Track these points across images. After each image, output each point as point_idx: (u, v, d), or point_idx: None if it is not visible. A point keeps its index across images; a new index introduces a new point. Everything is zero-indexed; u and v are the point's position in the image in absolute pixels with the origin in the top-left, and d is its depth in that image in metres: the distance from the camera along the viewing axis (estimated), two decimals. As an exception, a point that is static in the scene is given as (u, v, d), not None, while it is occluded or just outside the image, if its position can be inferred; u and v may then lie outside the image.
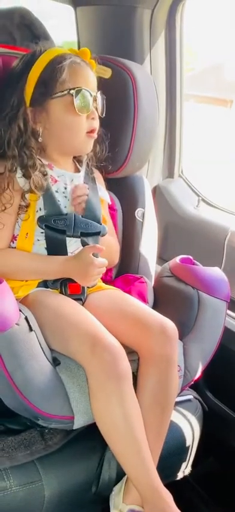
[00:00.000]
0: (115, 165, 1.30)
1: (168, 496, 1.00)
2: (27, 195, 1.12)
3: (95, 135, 1.16)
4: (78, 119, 1.11)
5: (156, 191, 1.69)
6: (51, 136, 1.14)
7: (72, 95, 1.09)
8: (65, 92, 1.09)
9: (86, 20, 1.59)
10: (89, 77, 1.13)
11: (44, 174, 1.13)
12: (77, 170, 1.23)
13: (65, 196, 1.17)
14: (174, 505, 0.99)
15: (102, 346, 0.98)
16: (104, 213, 1.24)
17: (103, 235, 1.19)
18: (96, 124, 1.14)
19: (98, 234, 1.17)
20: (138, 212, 1.38)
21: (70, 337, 1.03)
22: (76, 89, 1.09)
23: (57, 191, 1.16)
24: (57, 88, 1.10)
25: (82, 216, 1.15)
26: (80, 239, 1.14)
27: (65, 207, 1.15)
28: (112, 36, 1.54)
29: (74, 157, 1.24)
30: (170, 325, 1.07)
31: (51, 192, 1.14)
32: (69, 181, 1.18)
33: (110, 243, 1.26)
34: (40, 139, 1.13)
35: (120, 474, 1.07)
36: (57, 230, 1.12)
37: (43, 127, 1.13)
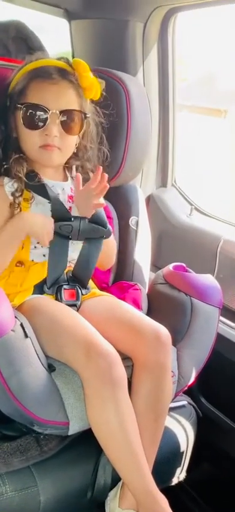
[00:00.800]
0: (109, 174, 1.32)
1: (163, 501, 1.01)
2: (17, 201, 1.14)
3: (53, 149, 1.14)
4: (29, 132, 1.14)
5: (149, 200, 1.72)
6: (21, 146, 1.17)
7: (20, 110, 1.13)
8: (20, 105, 1.13)
9: (80, 33, 1.62)
10: (51, 95, 1.12)
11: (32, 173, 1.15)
12: (66, 178, 1.25)
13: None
14: (169, 510, 1.00)
15: (97, 352, 0.99)
16: None
17: (106, 238, 1.20)
18: (51, 140, 1.13)
19: (102, 237, 1.19)
20: (132, 220, 1.40)
21: (65, 344, 1.04)
22: (24, 104, 1.12)
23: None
24: (19, 100, 1.14)
25: (89, 221, 1.16)
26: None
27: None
28: (105, 48, 1.56)
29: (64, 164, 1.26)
30: (164, 331, 1.09)
31: (56, 196, 1.16)
32: (60, 191, 1.20)
33: (113, 244, 1.28)
34: (16, 145, 1.16)
35: (116, 479, 1.07)
36: (62, 235, 1.14)
37: (17, 134, 1.17)
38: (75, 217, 1.15)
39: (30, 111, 1.12)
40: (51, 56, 1.25)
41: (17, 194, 1.14)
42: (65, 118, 1.13)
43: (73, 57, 1.67)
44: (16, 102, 1.14)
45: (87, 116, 1.18)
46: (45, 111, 1.12)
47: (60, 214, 1.14)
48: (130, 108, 1.28)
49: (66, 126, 1.14)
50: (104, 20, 1.53)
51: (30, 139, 1.14)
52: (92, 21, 1.57)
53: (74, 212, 1.18)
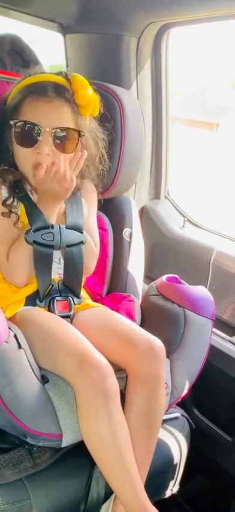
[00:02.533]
0: (103, 186, 1.34)
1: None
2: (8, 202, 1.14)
3: (42, 167, 1.10)
4: (22, 149, 1.13)
5: (143, 212, 1.73)
6: (15, 160, 1.17)
7: (11, 127, 1.12)
8: (12, 122, 1.12)
9: (74, 47, 1.64)
10: (44, 112, 1.11)
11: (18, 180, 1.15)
12: None
13: None
14: None
15: (90, 363, 0.99)
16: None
17: (84, 243, 1.19)
18: (44, 159, 1.11)
19: (81, 243, 1.18)
20: (125, 232, 1.41)
21: (58, 355, 1.04)
22: (17, 121, 1.12)
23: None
24: (13, 116, 1.13)
25: (66, 227, 1.16)
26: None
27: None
28: (100, 62, 1.58)
29: None
30: (158, 343, 1.09)
31: (33, 203, 1.15)
32: None
33: (90, 244, 1.23)
34: (11, 157, 1.15)
35: (109, 492, 1.07)
36: (45, 245, 1.13)
37: (12, 149, 1.16)
38: (55, 225, 1.14)
39: (22, 128, 1.11)
40: (49, 70, 1.25)
41: (9, 202, 1.14)
42: (58, 136, 1.12)
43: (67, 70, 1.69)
44: (10, 117, 1.13)
45: (82, 134, 1.15)
46: (37, 129, 1.10)
47: (39, 223, 1.12)
48: (124, 121, 1.30)
49: (59, 145, 1.12)
50: (98, 35, 1.55)
51: (23, 157, 1.14)
52: (87, 35, 1.59)
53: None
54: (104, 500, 1.08)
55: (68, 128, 1.13)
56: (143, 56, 1.57)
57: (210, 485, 1.45)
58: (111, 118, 1.28)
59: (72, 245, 1.16)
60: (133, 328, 1.15)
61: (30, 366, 1.01)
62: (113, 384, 1.01)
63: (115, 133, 1.29)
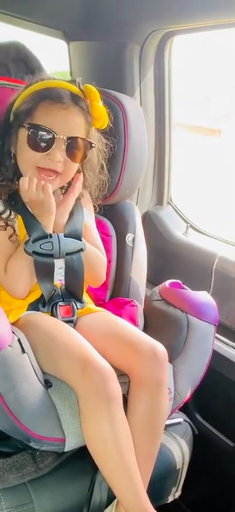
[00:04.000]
0: (103, 196, 1.34)
1: None
2: (4, 215, 1.14)
3: (47, 173, 1.12)
4: (31, 152, 1.11)
5: (145, 217, 1.74)
6: (18, 162, 1.16)
7: (26, 130, 1.11)
8: (27, 125, 1.11)
9: (78, 54, 1.65)
10: (60, 119, 1.11)
11: (12, 193, 1.15)
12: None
13: None
14: None
15: (93, 368, 1.00)
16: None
17: (83, 250, 1.19)
18: (54, 165, 1.11)
19: (80, 250, 1.18)
20: (128, 237, 1.41)
21: (61, 359, 1.04)
22: (32, 124, 1.10)
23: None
24: (26, 119, 1.12)
25: (64, 235, 1.16)
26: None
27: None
28: (103, 69, 1.59)
29: None
30: (160, 348, 1.09)
31: (31, 214, 1.14)
32: None
33: (96, 254, 1.24)
34: (12, 161, 1.15)
35: (111, 497, 1.07)
36: (45, 255, 1.13)
37: (15, 151, 1.15)
38: (53, 234, 1.14)
39: (37, 132, 1.09)
40: (62, 78, 1.25)
41: (4, 216, 1.15)
42: (71, 145, 1.11)
43: (71, 77, 1.70)
44: (22, 120, 1.12)
45: (93, 145, 1.16)
46: (52, 134, 1.09)
47: (37, 233, 1.12)
48: (128, 127, 1.30)
49: (71, 153, 1.12)
50: (102, 42, 1.57)
51: (30, 159, 1.12)
52: (90, 43, 1.60)
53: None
54: (106, 505, 1.08)
55: (82, 138, 1.13)
56: (146, 63, 1.58)
57: (212, 490, 1.44)
58: (114, 124, 1.29)
59: (71, 253, 1.16)
60: (136, 333, 1.15)
61: (34, 370, 1.02)
62: (116, 388, 1.01)
63: (118, 139, 1.29)
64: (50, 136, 1.10)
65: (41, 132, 1.10)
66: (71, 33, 1.63)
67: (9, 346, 0.99)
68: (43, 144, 1.10)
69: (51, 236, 1.13)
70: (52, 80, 1.17)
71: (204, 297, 1.28)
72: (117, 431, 1.00)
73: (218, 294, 1.38)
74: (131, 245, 1.41)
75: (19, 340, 1.02)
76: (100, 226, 1.36)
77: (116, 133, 1.29)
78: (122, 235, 1.42)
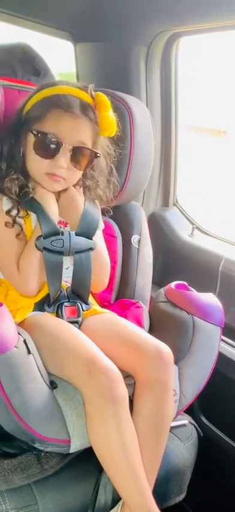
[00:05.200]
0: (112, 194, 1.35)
1: None
2: (12, 213, 1.15)
3: (59, 180, 1.15)
4: (39, 158, 1.14)
5: (151, 219, 1.73)
6: (26, 162, 1.18)
7: (34, 136, 1.13)
8: (35, 131, 1.13)
9: (85, 56, 1.66)
10: (68, 129, 1.12)
11: (23, 187, 1.16)
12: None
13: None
14: None
15: (99, 369, 1.00)
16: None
17: (93, 250, 1.19)
18: (58, 171, 1.14)
19: (90, 249, 1.18)
20: (134, 239, 1.41)
21: (66, 360, 1.04)
22: (39, 131, 1.12)
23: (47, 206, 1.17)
24: (35, 124, 1.13)
25: (76, 233, 1.17)
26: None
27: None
28: (110, 70, 1.60)
29: None
30: (166, 349, 1.09)
31: (43, 209, 1.15)
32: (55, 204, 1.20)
33: (103, 256, 1.25)
34: (21, 158, 1.16)
35: (116, 499, 1.07)
36: (55, 252, 1.13)
37: (24, 151, 1.17)
38: (64, 231, 1.15)
39: (44, 140, 1.12)
40: (58, 79, 1.27)
41: (13, 213, 1.15)
42: (76, 154, 1.14)
43: (77, 78, 1.70)
44: (31, 125, 1.14)
45: (98, 155, 1.17)
46: (58, 144, 1.11)
47: (49, 229, 1.13)
48: (134, 129, 1.30)
49: (75, 162, 1.14)
50: (109, 44, 1.57)
51: (37, 164, 1.15)
52: (97, 44, 1.60)
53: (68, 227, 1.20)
54: (111, 506, 1.08)
55: (87, 148, 1.15)
56: (153, 64, 1.58)
57: (217, 493, 1.44)
58: (120, 126, 1.29)
59: (80, 251, 1.16)
60: (142, 334, 1.15)
61: (39, 371, 1.02)
62: (122, 390, 1.01)
63: (124, 140, 1.29)
64: (57, 145, 1.12)
65: (48, 141, 1.12)
66: (78, 34, 1.63)
67: (15, 347, 0.99)
68: (49, 152, 1.12)
69: (63, 233, 1.14)
70: (64, 85, 1.17)
71: (210, 298, 1.27)
72: (123, 432, 1.00)
73: (224, 296, 1.38)
74: (137, 246, 1.41)
75: (25, 341, 1.02)
76: (105, 227, 1.35)
77: (122, 135, 1.29)
78: (128, 236, 1.42)
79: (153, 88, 1.61)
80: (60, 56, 1.80)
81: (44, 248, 1.12)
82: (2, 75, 1.34)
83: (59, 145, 1.12)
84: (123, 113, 1.29)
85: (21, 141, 1.16)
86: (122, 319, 1.22)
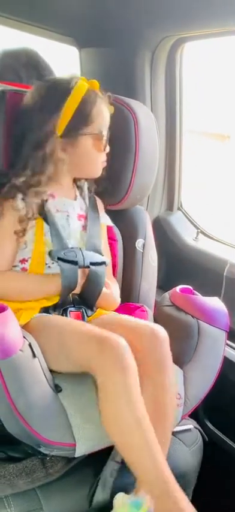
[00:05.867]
0: (117, 197, 1.35)
1: (177, 491, 0.97)
2: (24, 221, 1.16)
3: (105, 164, 1.26)
4: (101, 154, 1.22)
5: (155, 223, 1.73)
6: (73, 165, 1.21)
7: (103, 136, 1.20)
8: (96, 132, 1.18)
9: (89, 61, 1.66)
10: (107, 114, 1.23)
11: (42, 203, 1.18)
12: (76, 197, 1.28)
13: (69, 224, 1.22)
14: (185, 500, 0.98)
15: (110, 342, 1.00)
16: (104, 238, 1.31)
17: (107, 265, 1.24)
18: (106, 157, 1.25)
19: (103, 263, 1.22)
20: (138, 243, 1.41)
21: (75, 346, 1.04)
22: (105, 131, 1.20)
23: (58, 221, 1.20)
24: (89, 126, 1.18)
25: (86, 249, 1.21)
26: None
27: (68, 239, 1.20)
28: (114, 75, 1.60)
29: (75, 182, 1.30)
30: (161, 329, 1.11)
31: (57, 226, 1.19)
32: (71, 209, 1.24)
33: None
34: (65, 168, 1.20)
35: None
36: (70, 261, 1.16)
37: (69, 157, 1.19)
38: (75, 248, 1.19)
39: (102, 136, 1.20)
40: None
41: (28, 216, 1.16)
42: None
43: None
44: (83, 129, 1.17)
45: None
46: (107, 134, 1.21)
47: (61, 244, 1.18)
48: (139, 134, 1.31)
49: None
50: (114, 49, 1.57)
51: (98, 160, 1.23)
52: (102, 49, 1.61)
53: (88, 230, 1.24)
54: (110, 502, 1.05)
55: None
56: (157, 69, 1.59)
57: (223, 499, 1.43)
58: (125, 131, 1.30)
59: (95, 263, 1.20)
60: (140, 320, 1.18)
61: (44, 374, 1.02)
62: (132, 360, 1.01)
63: (129, 145, 1.30)
64: (106, 135, 1.21)
65: (104, 135, 1.20)
66: (83, 40, 1.64)
67: (20, 350, 0.99)
68: (105, 144, 1.22)
69: (72, 248, 1.18)
70: (80, 82, 1.19)
71: (215, 303, 1.27)
72: (136, 402, 0.99)
73: (229, 300, 1.37)
74: (141, 250, 1.41)
75: (30, 345, 1.02)
76: (107, 230, 1.36)
77: (127, 139, 1.29)
78: (132, 240, 1.42)
79: (158, 93, 1.61)
80: (65, 60, 1.81)
81: (58, 258, 1.15)
82: (6, 80, 1.35)
83: (107, 134, 1.21)
84: (128, 118, 1.30)
85: (65, 149, 1.18)
86: (121, 315, 1.24)
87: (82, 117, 1.17)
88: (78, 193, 1.30)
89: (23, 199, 1.16)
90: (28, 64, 1.47)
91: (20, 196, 1.16)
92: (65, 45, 1.70)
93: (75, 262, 1.16)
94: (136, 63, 1.56)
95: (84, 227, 1.25)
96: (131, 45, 1.54)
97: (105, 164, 1.26)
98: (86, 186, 1.31)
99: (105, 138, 1.21)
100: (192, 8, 1.31)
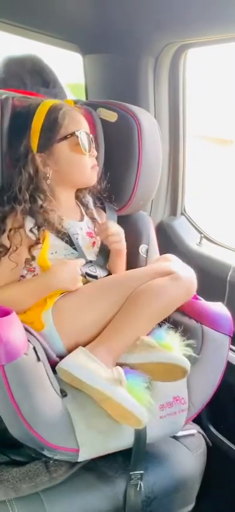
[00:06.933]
0: (120, 203, 1.36)
1: None
2: (34, 249, 1.15)
3: (97, 168, 1.26)
4: (83, 157, 1.21)
5: (159, 228, 1.74)
6: (61, 176, 1.22)
7: (77, 137, 1.19)
8: (70, 135, 1.18)
9: (93, 67, 1.67)
10: (83, 121, 1.24)
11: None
12: (82, 217, 1.29)
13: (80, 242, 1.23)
14: None
15: None
16: None
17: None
18: (94, 160, 1.25)
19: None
20: (142, 248, 1.41)
21: None
22: (80, 131, 1.19)
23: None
24: (61, 132, 1.19)
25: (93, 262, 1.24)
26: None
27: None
28: (118, 81, 1.61)
29: (79, 201, 1.31)
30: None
31: (79, 244, 1.21)
32: (79, 230, 1.25)
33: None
34: (48, 182, 1.19)
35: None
36: (92, 276, 1.21)
37: (52, 169, 1.20)
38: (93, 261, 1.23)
39: (82, 136, 1.19)
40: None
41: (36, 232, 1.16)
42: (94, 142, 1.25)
43: (86, 89, 1.72)
44: (54, 136, 1.18)
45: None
46: (88, 134, 1.22)
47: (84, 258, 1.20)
48: (142, 140, 1.31)
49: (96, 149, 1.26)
50: (117, 55, 1.58)
51: (83, 164, 1.21)
52: (105, 55, 1.62)
53: (97, 245, 1.26)
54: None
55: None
56: (161, 75, 1.59)
57: (227, 504, 1.42)
58: (129, 137, 1.30)
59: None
60: None
61: (49, 379, 1.02)
62: None
63: (132, 151, 1.31)
64: (88, 136, 1.22)
65: (84, 135, 1.21)
66: (86, 46, 1.65)
67: (25, 354, 0.99)
68: (89, 144, 1.22)
69: (91, 261, 1.21)
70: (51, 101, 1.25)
71: (219, 308, 1.27)
72: None
73: (232, 305, 1.37)
74: (145, 256, 1.41)
75: (34, 348, 1.02)
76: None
77: (130, 145, 1.30)
78: (136, 246, 1.42)
79: (161, 99, 1.61)
80: (69, 66, 1.83)
81: (86, 273, 1.18)
82: (11, 87, 1.36)
83: (89, 135, 1.22)
84: (131, 124, 1.31)
85: (45, 163, 1.19)
86: None
87: (50, 126, 1.18)
88: (84, 212, 1.30)
89: (35, 222, 1.16)
90: (33, 70, 1.48)
91: (28, 224, 1.15)
92: (69, 51, 1.71)
93: (95, 277, 1.20)
94: (140, 69, 1.57)
95: (94, 243, 1.27)
96: (134, 51, 1.55)
97: (97, 169, 1.26)
98: (91, 202, 1.32)
99: (84, 140, 1.20)
100: (194, 15, 1.32)
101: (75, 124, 1.20)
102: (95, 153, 1.24)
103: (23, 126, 1.19)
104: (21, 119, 1.20)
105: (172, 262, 1.19)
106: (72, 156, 1.20)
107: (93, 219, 1.30)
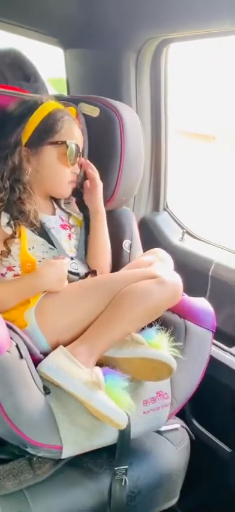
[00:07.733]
0: (103, 199, 1.35)
1: None
2: (10, 243, 1.14)
3: (74, 185, 1.26)
4: (65, 168, 1.21)
5: (141, 223, 1.74)
6: (38, 178, 1.21)
7: (67, 146, 1.19)
8: (60, 143, 1.19)
9: (74, 61, 1.66)
10: (79, 135, 1.24)
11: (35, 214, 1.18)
12: (54, 210, 1.29)
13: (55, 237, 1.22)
14: None
15: None
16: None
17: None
18: (75, 176, 1.25)
19: (93, 272, 1.25)
20: (125, 243, 1.42)
21: None
22: (71, 142, 1.19)
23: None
24: (54, 137, 1.19)
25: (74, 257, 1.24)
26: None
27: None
28: (100, 76, 1.60)
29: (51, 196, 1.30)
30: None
31: (57, 240, 1.21)
32: (54, 224, 1.25)
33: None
34: (27, 178, 1.19)
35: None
36: (74, 273, 1.20)
37: (33, 168, 1.20)
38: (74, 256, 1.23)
39: (72, 148, 1.20)
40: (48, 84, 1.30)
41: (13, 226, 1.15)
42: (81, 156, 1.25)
43: (67, 84, 1.71)
44: (46, 139, 1.18)
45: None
46: (78, 148, 1.21)
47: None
48: (124, 135, 1.31)
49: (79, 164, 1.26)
50: (98, 50, 1.58)
51: (63, 176, 1.22)
52: (87, 50, 1.61)
53: (73, 237, 1.25)
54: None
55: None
56: (142, 70, 1.59)
57: (210, 496, 1.44)
58: (111, 132, 1.30)
59: (89, 273, 1.24)
60: None
61: (32, 376, 1.02)
62: None
63: (114, 147, 1.30)
64: (77, 150, 1.21)
65: (74, 148, 1.20)
66: (68, 40, 1.64)
67: (7, 351, 0.98)
68: (75, 158, 1.21)
69: (72, 258, 1.22)
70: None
71: (202, 303, 1.28)
72: None
73: (214, 300, 1.39)
74: (128, 251, 1.41)
75: (17, 346, 1.01)
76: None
77: (112, 141, 1.30)
78: (119, 241, 1.42)
79: (143, 94, 1.62)
80: (50, 61, 1.81)
81: (68, 271, 1.17)
82: (-8, 81, 1.34)
83: (78, 149, 1.21)
84: (113, 119, 1.30)
85: (29, 160, 1.19)
86: None
87: (46, 128, 1.19)
88: (55, 206, 1.30)
89: (10, 215, 1.15)
90: (13, 64, 1.46)
91: (3, 219, 1.15)
92: (50, 45, 1.69)
93: (77, 274, 1.20)
94: (121, 64, 1.56)
95: (70, 235, 1.26)
96: (116, 46, 1.55)
97: (74, 185, 1.26)
98: (62, 200, 1.31)
99: (72, 151, 1.20)
100: (175, 10, 1.32)
101: (70, 135, 1.21)
102: (78, 170, 1.24)
103: (21, 117, 1.19)
104: (22, 110, 1.20)
105: (159, 264, 1.19)
106: (56, 164, 1.20)
107: (67, 212, 1.30)
